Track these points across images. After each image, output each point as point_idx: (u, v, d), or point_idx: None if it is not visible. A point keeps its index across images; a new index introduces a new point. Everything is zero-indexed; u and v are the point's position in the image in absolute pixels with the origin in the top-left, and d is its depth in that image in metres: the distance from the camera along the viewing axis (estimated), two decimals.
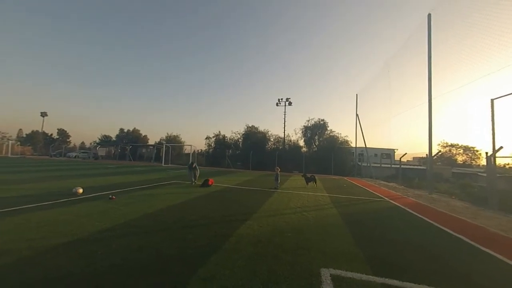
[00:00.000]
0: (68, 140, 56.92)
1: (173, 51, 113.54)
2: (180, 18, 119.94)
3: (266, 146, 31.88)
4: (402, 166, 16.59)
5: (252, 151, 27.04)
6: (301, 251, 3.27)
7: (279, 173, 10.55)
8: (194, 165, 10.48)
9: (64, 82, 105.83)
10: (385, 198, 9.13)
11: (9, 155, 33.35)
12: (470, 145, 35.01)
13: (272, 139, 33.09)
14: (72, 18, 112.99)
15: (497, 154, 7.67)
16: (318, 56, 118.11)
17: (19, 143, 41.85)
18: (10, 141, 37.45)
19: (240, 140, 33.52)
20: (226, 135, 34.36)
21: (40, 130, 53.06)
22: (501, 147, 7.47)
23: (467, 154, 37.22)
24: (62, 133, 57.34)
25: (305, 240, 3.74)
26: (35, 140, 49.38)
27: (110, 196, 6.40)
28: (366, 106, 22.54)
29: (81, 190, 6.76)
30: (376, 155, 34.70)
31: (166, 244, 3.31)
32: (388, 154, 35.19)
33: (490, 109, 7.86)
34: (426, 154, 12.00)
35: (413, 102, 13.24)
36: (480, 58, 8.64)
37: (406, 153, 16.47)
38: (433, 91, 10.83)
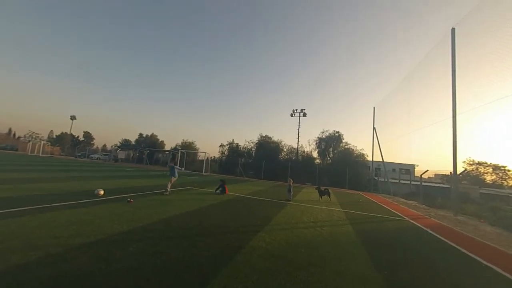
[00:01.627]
0: (92, 142, 60.56)
1: (192, 60, 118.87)
2: (198, 26, 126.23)
3: (279, 156, 31.66)
4: (423, 183, 15.66)
5: (264, 160, 26.99)
6: (314, 269, 3.17)
7: (292, 184, 10.40)
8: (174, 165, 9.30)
9: (91, 87, 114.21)
10: (405, 217, 8.62)
11: (40, 154, 36.06)
12: (500, 164, 32.33)
13: (285, 150, 32.88)
14: (101, 25, 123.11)
15: None
16: (335, 68, 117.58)
17: (49, 143, 45.26)
18: (42, 141, 40.60)
19: (253, 149, 33.66)
20: (239, 144, 34.73)
21: (68, 132, 57.07)
22: None
23: (497, 174, 34.28)
24: (87, 135, 61.23)
25: (319, 258, 3.62)
26: (64, 141, 53.08)
27: (128, 199, 6.67)
28: (384, 119, 21.87)
29: (102, 192, 7.11)
30: (394, 170, 33.05)
31: (180, 251, 3.37)
32: (408, 169, 33.44)
33: None
34: (450, 172, 11.25)
35: (435, 117, 12.66)
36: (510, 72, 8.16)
37: (427, 170, 15.58)
38: (458, 106, 10.30)
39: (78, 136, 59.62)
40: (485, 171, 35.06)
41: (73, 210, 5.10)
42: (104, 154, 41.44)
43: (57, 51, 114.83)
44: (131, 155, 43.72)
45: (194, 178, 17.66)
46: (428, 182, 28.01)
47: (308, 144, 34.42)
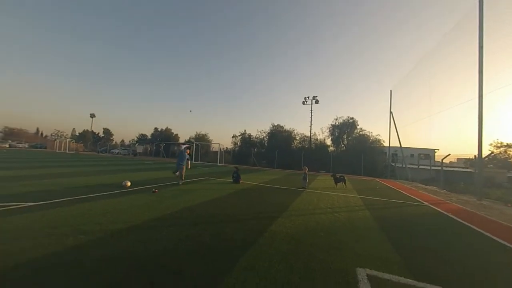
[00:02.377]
0: (111, 138, 63.88)
1: (201, 53, 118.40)
2: (209, 19, 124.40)
3: (292, 145, 31.58)
4: (444, 168, 15.06)
5: (277, 150, 27.08)
6: (334, 251, 3.33)
7: (307, 172, 10.49)
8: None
9: (108, 86, 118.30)
10: (425, 202, 8.48)
11: (67, 151, 38.68)
12: None
13: (297, 138, 32.68)
14: (114, 26, 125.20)
15: None
16: (349, 52, 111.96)
17: (73, 140, 48.23)
18: (67, 139, 43.36)
19: (265, 138, 33.78)
20: (251, 134, 34.96)
21: (89, 130, 60.32)
22: None
23: None
24: (107, 132, 64.52)
25: (338, 241, 3.77)
26: (86, 138, 56.32)
27: (153, 189, 7.15)
28: (402, 103, 20.90)
29: (129, 183, 7.66)
30: (412, 155, 31.85)
31: (207, 235, 3.66)
32: (427, 154, 32.03)
33: None
34: (475, 156, 10.72)
35: (459, 99, 11.93)
36: None
37: (449, 154, 14.91)
38: (486, 85, 9.62)
39: (98, 133, 62.96)
40: None
41: (107, 200, 5.60)
42: (124, 149, 43.63)
43: (73, 54, 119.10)
44: (148, 148, 45.58)
45: (210, 169, 18.24)
46: (450, 167, 26.78)
47: (321, 131, 33.87)
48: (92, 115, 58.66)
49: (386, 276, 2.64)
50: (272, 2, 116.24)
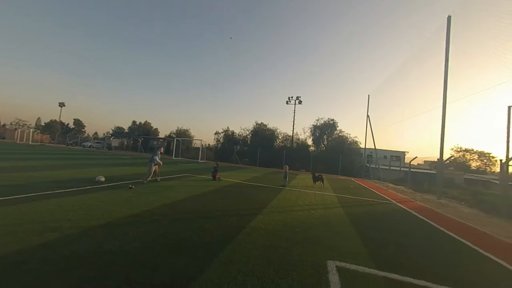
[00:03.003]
0: (83, 130, 59.21)
1: (186, 48, 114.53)
2: (193, 16, 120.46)
3: (274, 144, 32.04)
4: (411, 169, 16.41)
5: (260, 148, 27.32)
6: (309, 246, 3.54)
7: (287, 171, 10.79)
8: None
9: (81, 74, 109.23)
10: (392, 201, 9.21)
11: (30, 142, 35.21)
12: (485, 151, 33.85)
13: (280, 137, 33.22)
14: (93, 13, 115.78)
15: (511, 162, 7.59)
16: (332, 56, 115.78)
17: (38, 131, 43.99)
18: (31, 129, 39.45)
19: (248, 136, 33.84)
20: (235, 131, 34.79)
21: (58, 120, 55.42)
22: None
23: (481, 160, 35.97)
24: (78, 123, 59.75)
25: (313, 236, 4.01)
26: (53, 129, 51.65)
27: (130, 185, 6.88)
28: (378, 107, 22.26)
29: (103, 179, 7.28)
30: (385, 157, 34.16)
31: (187, 231, 3.67)
32: (398, 156, 34.60)
33: (506, 116, 7.75)
34: (438, 158, 11.87)
35: (427, 106, 13.05)
36: (499, 64, 8.47)
37: (416, 157, 16.29)
38: (449, 95, 10.66)
39: (68, 124, 58.10)
40: (471, 158, 36.68)
41: (78, 196, 5.29)
42: (97, 142, 40.79)
43: (42, 39, 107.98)
44: (125, 143, 43.22)
45: (191, 166, 17.89)
46: (417, 169, 29.23)
47: (303, 131, 34.77)
48: (61, 104, 54.02)
49: (353, 267, 2.90)
50: (256, 2, 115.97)
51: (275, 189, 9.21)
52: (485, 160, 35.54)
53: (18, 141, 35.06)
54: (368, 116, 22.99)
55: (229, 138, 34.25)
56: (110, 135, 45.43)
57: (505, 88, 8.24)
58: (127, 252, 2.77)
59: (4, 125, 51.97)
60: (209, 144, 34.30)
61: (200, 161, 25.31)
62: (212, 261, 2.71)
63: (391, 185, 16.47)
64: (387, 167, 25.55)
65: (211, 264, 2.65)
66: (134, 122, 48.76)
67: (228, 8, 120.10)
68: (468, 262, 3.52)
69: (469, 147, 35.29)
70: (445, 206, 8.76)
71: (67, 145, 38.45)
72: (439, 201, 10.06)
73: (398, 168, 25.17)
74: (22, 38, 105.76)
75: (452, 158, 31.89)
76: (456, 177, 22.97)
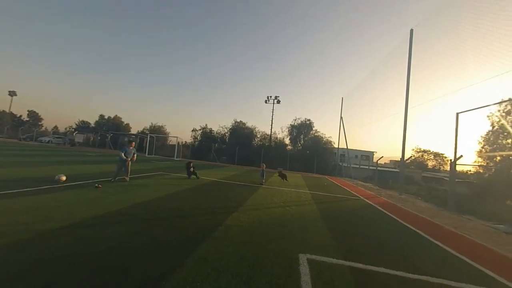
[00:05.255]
0: (40, 123, 52.87)
1: (164, 41, 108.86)
2: (174, 8, 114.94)
3: (253, 142, 32.25)
4: (378, 168, 17.81)
5: (238, 146, 27.27)
6: (283, 241, 3.67)
7: (264, 169, 10.96)
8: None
9: (38, 60, 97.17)
10: (361, 197, 9.93)
11: None
12: (440, 152, 38.15)
13: (259, 136, 33.55)
14: None
15: (458, 162, 8.68)
16: (310, 58, 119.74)
17: None
18: None
19: (227, 134, 33.55)
20: (213, 129, 34.21)
21: (7, 111, 48.74)
22: (461, 156, 8.47)
23: (436, 160, 40.50)
24: (33, 115, 53.19)
25: (288, 232, 4.16)
26: (2, 121, 45.32)
27: (96, 184, 6.39)
28: (351, 109, 23.68)
29: (64, 178, 6.62)
30: (356, 156, 36.53)
31: (159, 231, 3.54)
32: (367, 156, 37.31)
33: (455, 122, 8.82)
34: (400, 158, 13.09)
35: (393, 109, 14.27)
36: (455, 74, 9.61)
37: (382, 156, 17.73)
38: (411, 100, 11.79)
39: (20, 116, 51.46)
40: (428, 158, 41.06)
41: (34, 196, 4.76)
42: (57, 137, 36.80)
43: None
44: (91, 138, 39.74)
45: (166, 164, 17.17)
46: (384, 167, 31.75)
47: (281, 130, 35.68)
48: (12, 93, 47.60)
49: (322, 258, 3.08)
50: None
51: (252, 187, 9.30)
52: (439, 160, 40.08)
53: None
54: (341, 117, 24.35)
55: (207, 135, 33.58)
56: (73, 129, 41.31)
57: (456, 96, 9.39)
58: (92, 254, 2.59)
59: None
60: (185, 141, 33.24)
61: (176, 158, 24.41)
62: (186, 260, 2.67)
63: (360, 182, 17.71)
64: (358, 166, 27.37)
65: (185, 263, 2.61)
66: (102, 116, 44.99)
67: (206, 3, 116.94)
68: (421, 250, 3.97)
69: (427, 148, 39.46)
70: (405, 201, 9.71)
71: (20, 140, 34.04)
72: (400, 196, 11.10)
73: (367, 167, 27.13)
74: None
75: (413, 158, 35.29)
76: (415, 175, 25.50)
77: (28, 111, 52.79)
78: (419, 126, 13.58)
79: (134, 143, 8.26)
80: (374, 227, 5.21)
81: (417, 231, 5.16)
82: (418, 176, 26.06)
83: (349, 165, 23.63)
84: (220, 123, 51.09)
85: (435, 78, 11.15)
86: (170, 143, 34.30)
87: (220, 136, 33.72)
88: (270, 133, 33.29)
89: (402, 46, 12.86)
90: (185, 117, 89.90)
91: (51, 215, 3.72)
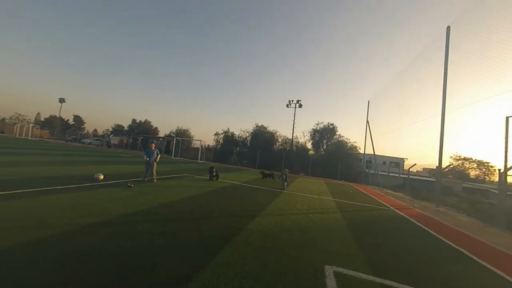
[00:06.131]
0: (82, 126, 59.15)
1: (187, 48, 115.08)
2: (194, 12, 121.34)
3: (274, 146, 32.10)
4: (410, 176, 16.42)
5: (259, 150, 27.33)
6: (306, 249, 3.53)
7: (287, 174, 10.78)
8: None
9: (81, 70, 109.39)
10: (390, 207, 9.21)
11: (29, 137, 35.14)
12: (484, 160, 33.94)
13: (280, 140, 33.30)
14: (94, 8, 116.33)
15: (510, 172, 7.61)
16: (333, 60, 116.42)
17: (38, 126, 43.93)
18: (30, 124, 39.37)
19: (248, 138, 33.88)
20: (234, 133, 34.83)
21: (57, 116, 55.36)
22: None
23: (480, 169, 36.04)
24: (78, 119, 59.66)
25: (310, 240, 4.00)
26: (53, 125, 51.56)
27: (129, 184, 6.87)
28: (377, 113, 22.35)
29: (102, 177, 7.25)
30: (384, 163, 34.21)
31: (184, 231, 3.66)
32: (397, 163, 34.67)
33: (504, 126, 7.79)
34: (436, 166, 11.91)
35: (427, 113, 13.12)
36: (498, 74, 8.54)
37: (415, 164, 16.30)
38: (448, 103, 10.73)
39: (68, 120, 58.01)
40: (470, 166, 36.75)
41: (77, 193, 5.28)
42: (97, 139, 40.74)
43: (43, 32, 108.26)
44: (124, 141, 43.17)
45: (190, 166, 17.87)
46: (416, 176, 29.22)
47: (302, 135, 34.96)
48: (62, 100, 54.03)
49: (351, 272, 2.89)
50: (257, 2, 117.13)
51: (274, 192, 9.20)
52: (484, 169, 35.61)
53: (17, 136, 34.98)
54: (367, 121, 23.08)
55: (228, 139, 34.28)
56: (109, 132, 45.35)
57: (504, 98, 8.30)
58: (123, 250, 2.76)
59: (3, 119, 51.82)
60: (208, 144, 34.34)
61: (199, 161, 25.28)
62: (209, 262, 2.70)
63: (389, 191, 16.47)
64: (386, 173, 25.56)
65: (208, 265, 2.64)
66: (134, 120, 48.68)
67: (229, 6, 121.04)
68: (465, 271, 3.51)
69: (468, 156, 35.38)
70: (443, 214, 8.75)
71: (67, 142, 38.33)
72: (437, 208, 10.06)
73: (397, 175, 25.18)
74: (24, 32, 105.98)
75: (451, 166, 31.92)
76: (454, 185, 22.97)
77: (73, 115, 59.42)
78: (458, 132, 12.22)
79: (153, 144, 8.54)
80: (407, 241, 4.76)
81: (460, 249, 4.58)
82: (458, 186, 23.42)
83: (376, 172, 22.18)
84: (242, 127, 51.98)
85: (478, 78, 10.02)
86: (194, 146, 35.69)
87: (241, 140, 34.20)
88: (291, 137, 32.87)
89: (437, 44, 11.84)
90: (208, 121, 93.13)
91: (89, 211, 4.08)
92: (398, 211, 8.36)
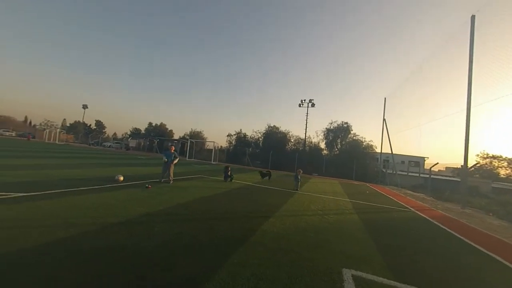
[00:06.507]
0: (103, 130, 62.51)
1: (199, 49, 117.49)
2: (206, 14, 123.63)
3: (286, 147, 31.86)
4: (432, 176, 15.54)
5: (272, 150, 27.23)
6: (321, 250, 3.46)
7: (300, 175, 10.64)
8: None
9: (103, 77, 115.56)
10: (411, 208, 8.77)
11: (57, 141, 37.70)
12: None
13: (292, 140, 33.01)
14: (114, 15, 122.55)
15: None
16: (345, 57, 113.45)
17: (64, 131, 47.02)
18: (58, 130, 42.25)
19: (260, 139, 33.93)
20: (247, 134, 35.04)
21: (81, 121, 58.92)
22: None
23: None
24: (99, 124, 63.16)
25: (326, 241, 3.91)
26: (77, 130, 54.96)
27: (147, 185, 7.13)
28: (395, 110, 21.40)
29: (122, 178, 7.59)
30: (403, 162, 32.69)
31: (199, 232, 3.72)
32: (417, 162, 32.98)
33: None
34: (461, 165, 11.16)
35: (448, 109, 12.37)
36: None
37: (437, 163, 15.37)
38: (474, 98, 10.02)
39: (90, 125, 61.54)
40: (500, 165, 34.01)
41: (99, 194, 5.57)
42: (116, 142, 42.85)
43: (66, 42, 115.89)
44: (141, 143, 44.93)
45: (204, 167, 18.20)
46: (438, 175, 27.63)
47: (316, 135, 34.28)
48: (85, 106, 57.29)
49: (370, 276, 2.78)
50: (268, 1, 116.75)
51: (287, 193, 9.11)
52: None
53: (46, 141, 37.65)
54: (384, 119, 22.20)
55: (241, 140, 34.54)
56: (128, 136, 47.49)
57: None
58: (142, 250, 2.86)
59: (34, 125, 56.09)
60: (221, 146, 34.79)
61: (213, 162, 25.69)
62: (225, 263, 2.73)
63: (409, 192, 15.70)
64: (405, 173, 24.40)
65: (224, 265, 2.67)
66: (150, 123, 50.56)
67: (238, 6, 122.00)
68: (499, 279, 3.25)
69: (497, 153, 32.80)
70: (469, 216, 8.18)
71: (89, 145, 40.68)
72: (463, 210, 9.42)
73: (417, 174, 23.93)
74: (56, 53, 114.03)
75: (478, 165, 29.78)
76: (482, 185, 21.40)
77: (95, 120, 63.02)
78: (485, 128, 11.37)
79: (173, 147, 8.92)
80: (431, 244, 4.50)
81: (492, 254, 4.24)
82: (487, 187, 21.80)
83: (394, 172, 21.23)
84: (254, 128, 52.20)
85: (507, 70, 9.25)
86: (207, 147, 36.33)
87: (253, 140, 34.31)
88: (304, 137, 32.42)
89: (460, 35, 11.12)
90: (220, 122, 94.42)
91: (111, 211, 4.28)
92: (419, 213, 7.93)
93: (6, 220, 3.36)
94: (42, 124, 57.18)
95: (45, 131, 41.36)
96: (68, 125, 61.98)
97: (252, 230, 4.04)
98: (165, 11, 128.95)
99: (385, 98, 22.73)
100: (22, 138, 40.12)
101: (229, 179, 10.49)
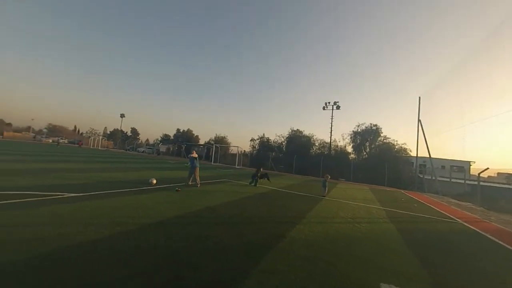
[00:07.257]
0: (138, 137, 67.95)
1: (222, 54, 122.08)
2: (228, 18, 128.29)
3: (311, 151, 30.97)
4: (481, 183, 13.69)
5: (295, 155, 26.74)
6: (355, 261, 3.25)
7: (328, 180, 10.25)
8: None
9: (138, 88, 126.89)
10: (458, 219, 7.81)
11: (99, 147, 42.06)
12: None
13: (317, 144, 31.98)
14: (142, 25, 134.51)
15: None
16: (372, 56, 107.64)
17: (105, 138, 52.34)
18: (100, 137, 47.20)
19: (283, 143, 33.56)
20: (270, 138, 34.98)
21: (119, 128, 65.01)
22: None
23: None
24: (134, 131, 68.86)
25: (359, 252, 3.67)
26: (116, 137, 60.72)
27: (177, 188, 7.52)
28: (431, 111, 19.52)
29: (155, 181, 8.13)
30: (443, 167, 29.47)
31: (226, 235, 3.79)
32: (461, 167, 29.42)
33: None
34: None
35: (497, 109, 10.87)
36: None
37: (488, 168, 13.52)
38: None
39: (126, 132, 67.47)
40: None
41: (137, 195, 6.03)
42: (149, 148, 46.23)
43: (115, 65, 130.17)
44: (171, 148, 47.76)
45: (229, 171, 18.59)
46: (489, 182, 24.23)
47: (342, 138, 32.79)
48: (122, 115, 63.16)
49: None
50: (291, 2, 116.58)
51: (313, 198, 8.82)
52: None
53: (91, 147, 42.30)
54: (419, 120, 20.34)
55: (264, 144, 34.58)
56: (159, 141, 50.91)
57: None
58: (172, 250, 3.01)
59: (82, 133, 63.63)
60: (244, 150, 35.23)
61: (237, 167, 26.12)
62: (254, 269, 2.72)
63: (453, 200, 14.02)
64: (447, 179, 21.91)
65: (253, 271, 2.66)
66: (178, 129, 53.59)
67: (259, 9, 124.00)
68: None
69: None
70: None
71: (126, 150, 44.56)
72: None
73: (462, 181, 21.29)
74: (97, 64, 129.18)
75: None
76: None
77: (131, 128, 68.92)
78: None
79: (194, 151, 9.34)
80: (487, 264, 3.92)
81: None
82: None
83: (434, 178, 19.19)
84: (277, 132, 52.06)
85: None
86: (231, 152, 37.11)
87: (277, 145, 34.10)
88: (329, 140, 31.25)
89: (501, 31, 9.79)
90: (244, 126, 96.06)
91: (147, 212, 4.60)
92: (468, 225, 7.02)
93: (61, 218, 3.82)
94: (88, 132, 64.48)
95: (90, 138, 46.54)
96: (108, 132, 68.84)
97: (280, 236, 3.99)
98: (185, 22, 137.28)
99: (419, 98, 20.87)
100: (73, 145, 45.68)
101: (265, 178, 11.17)
